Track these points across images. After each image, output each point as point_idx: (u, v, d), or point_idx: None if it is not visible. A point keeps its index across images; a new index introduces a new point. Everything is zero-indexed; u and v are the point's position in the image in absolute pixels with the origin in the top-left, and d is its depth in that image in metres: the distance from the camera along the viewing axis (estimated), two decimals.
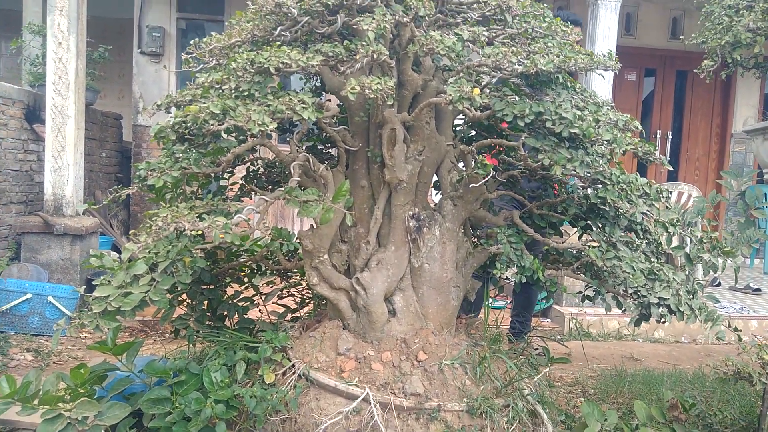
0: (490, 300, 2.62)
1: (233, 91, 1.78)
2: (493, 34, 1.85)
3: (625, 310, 2.13)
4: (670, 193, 5.45)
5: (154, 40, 6.43)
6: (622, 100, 7.26)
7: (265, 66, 1.64)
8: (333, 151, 2.73)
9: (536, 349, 3.14)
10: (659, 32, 7.27)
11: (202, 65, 2.05)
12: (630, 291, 1.98)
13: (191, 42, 1.96)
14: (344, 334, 2.18)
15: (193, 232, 1.63)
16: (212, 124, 1.66)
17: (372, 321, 2.15)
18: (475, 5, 1.95)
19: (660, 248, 2.13)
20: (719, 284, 5.84)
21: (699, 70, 2.80)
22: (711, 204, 3.10)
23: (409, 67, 2.10)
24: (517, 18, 1.83)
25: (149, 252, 1.88)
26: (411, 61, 2.07)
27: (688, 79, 7.51)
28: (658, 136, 7.44)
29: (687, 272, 2.03)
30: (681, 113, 7.60)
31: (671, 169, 2.58)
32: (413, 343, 2.12)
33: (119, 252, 6.23)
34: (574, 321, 4.88)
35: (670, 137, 7.47)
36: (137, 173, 1.94)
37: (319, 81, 2.60)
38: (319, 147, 2.79)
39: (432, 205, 2.39)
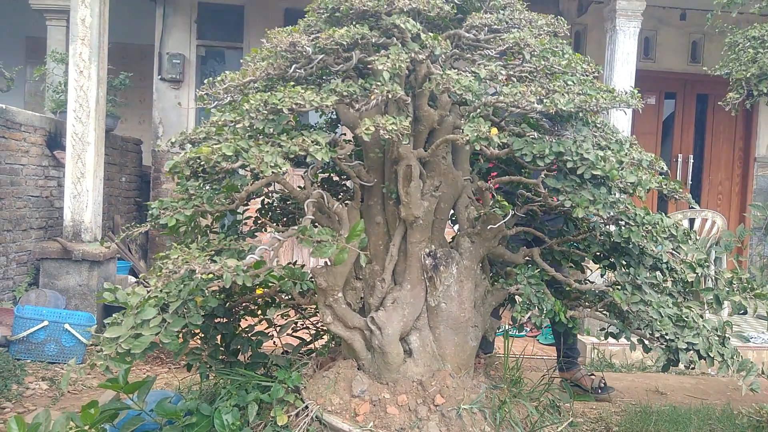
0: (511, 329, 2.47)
1: (247, 130, 1.76)
2: (511, 72, 1.81)
3: (650, 350, 2.04)
4: (694, 220, 5.33)
5: (174, 67, 6.53)
6: (642, 123, 7.16)
7: (279, 107, 1.62)
8: (348, 183, 2.70)
9: (553, 378, 3.04)
10: (679, 56, 7.19)
11: (216, 102, 2.04)
12: (657, 335, 1.90)
13: (205, 81, 1.95)
14: (359, 374, 2.12)
15: (204, 277, 1.60)
16: (225, 165, 1.64)
17: (387, 362, 2.09)
18: (491, 41, 1.92)
19: (687, 288, 2.04)
20: (745, 312, 5.66)
21: (724, 102, 2.73)
22: (738, 238, 3.01)
23: (425, 102, 2.07)
24: (536, 55, 1.79)
25: (160, 291, 1.85)
26: (427, 97, 2.04)
27: (709, 102, 7.39)
28: (680, 159, 7.31)
29: (717, 314, 1.94)
30: (702, 137, 7.47)
31: (697, 207, 2.50)
32: (430, 385, 2.05)
33: (136, 276, 6.26)
34: (596, 351, 4.75)
35: (692, 161, 7.34)
36: (150, 212, 1.92)
37: (334, 113, 2.58)
38: (334, 178, 2.76)
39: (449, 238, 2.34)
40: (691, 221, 5.20)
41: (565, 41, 1.97)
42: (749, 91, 2.63)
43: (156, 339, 1.83)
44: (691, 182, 7.38)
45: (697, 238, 5.22)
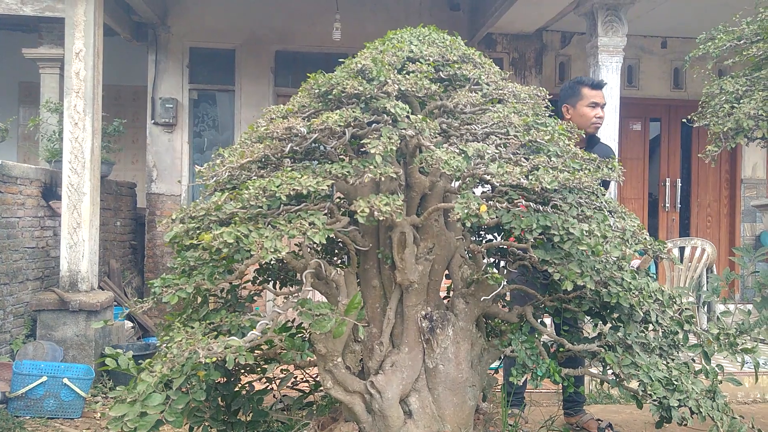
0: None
1: (247, 211, 1.82)
2: (495, 147, 1.88)
3: (642, 406, 2.10)
4: (684, 248, 5.42)
5: (167, 111, 6.62)
6: (629, 148, 7.30)
7: (277, 195, 1.69)
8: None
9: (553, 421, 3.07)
10: (662, 82, 7.36)
11: (215, 177, 2.11)
12: (649, 391, 1.95)
13: (204, 166, 2.03)
14: None
15: (208, 360, 1.65)
16: (225, 251, 1.70)
17: (388, 425, 2.13)
18: (477, 113, 2.00)
19: (676, 342, 2.11)
20: None
21: (703, 155, 2.84)
22: (726, 281, 3.09)
23: (417, 170, 2.14)
24: (519, 132, 1.87)
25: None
26: (418, 166, 2.11)
27: (693, 126, 7.54)
28: (668, 183, 7.44)
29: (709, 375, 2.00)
30: (689, 160, 7.61)
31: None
32: None
33: (132, 320, 6.25)
34: (594, 382, 4.78)
35: (680, 184, 7.47)
36: (153, 290, 1.97)
37: None
38: (331, 236, 2.82)
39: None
40: (681, 249, 5.29)
41: (547, 111, 2.06)
42: (727, 142, 2.74)
43: (161, 416, 1.87)
44: (680, 205, 7.50)
45: (688, 264, 5.32)
